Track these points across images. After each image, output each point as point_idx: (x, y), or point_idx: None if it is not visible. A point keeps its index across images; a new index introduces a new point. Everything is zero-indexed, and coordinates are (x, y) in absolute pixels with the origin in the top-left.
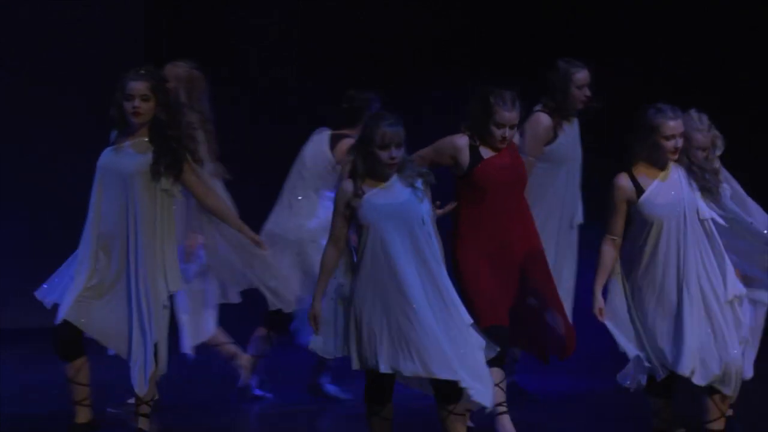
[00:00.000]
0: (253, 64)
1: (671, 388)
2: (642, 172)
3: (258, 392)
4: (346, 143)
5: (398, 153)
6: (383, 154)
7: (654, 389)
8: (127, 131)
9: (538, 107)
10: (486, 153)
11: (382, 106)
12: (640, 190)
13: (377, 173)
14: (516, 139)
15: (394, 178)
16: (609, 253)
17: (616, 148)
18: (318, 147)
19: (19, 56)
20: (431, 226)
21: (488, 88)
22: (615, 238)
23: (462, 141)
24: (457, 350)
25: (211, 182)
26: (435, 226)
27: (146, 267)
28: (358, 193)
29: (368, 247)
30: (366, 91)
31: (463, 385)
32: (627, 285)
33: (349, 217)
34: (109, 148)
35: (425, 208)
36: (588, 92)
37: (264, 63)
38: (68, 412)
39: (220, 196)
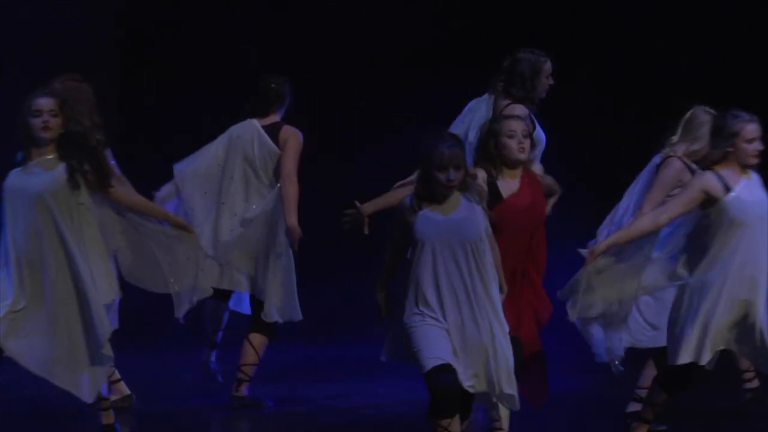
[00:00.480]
0: (253, 64)
1: (685, 389)
2: (724, 173)
3: (213, 366)
4: (289, 130)
5: (456, 175)
6: (441, 176)
7: (668, 384)
8: (34, 150)
9: (507, 101)
10: (505, 188)
11: (292, 88)
12: (727, 188)
13: (436, 193)
14: (538, 168)
15: (457, 195)
16: (646, 225)
17: (616, 147)
18: (261, 141)
19: (19, 56)
20: (487, 242)
21: (492, 119)
22: (663, 216)
23: (480, 175)
24: (506, 363)
25: (126, 182)
26: (491, 243)
27: (83, 280)
28: (414, 209)
29: (421, 263)
30: (277, 74)
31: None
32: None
33: (406, 231)
34: (15, 170)
35: (484, 226)
36: (552, 81)
37: (264, 63)
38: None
39: (136, 193)
